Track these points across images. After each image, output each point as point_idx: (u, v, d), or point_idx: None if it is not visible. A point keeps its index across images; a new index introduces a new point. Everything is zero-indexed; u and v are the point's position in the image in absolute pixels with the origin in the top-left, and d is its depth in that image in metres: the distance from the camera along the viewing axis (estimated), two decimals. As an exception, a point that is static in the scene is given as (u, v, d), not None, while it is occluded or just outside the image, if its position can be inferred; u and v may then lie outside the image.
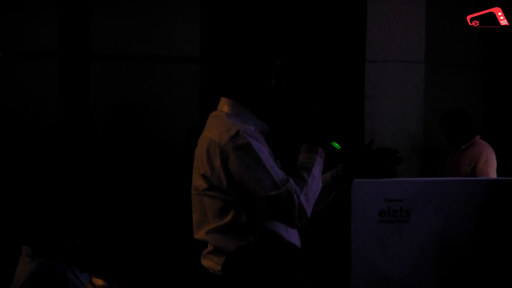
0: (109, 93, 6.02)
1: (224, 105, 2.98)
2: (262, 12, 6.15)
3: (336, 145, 3.01)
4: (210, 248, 2.92)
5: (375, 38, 6.49)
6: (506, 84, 6.94)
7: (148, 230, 4.76)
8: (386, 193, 3.28)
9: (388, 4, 6.54)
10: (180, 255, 4.56)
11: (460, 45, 6.98)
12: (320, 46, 6.34)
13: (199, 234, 2.95)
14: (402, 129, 6.45)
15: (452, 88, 6.92)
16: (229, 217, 2.86)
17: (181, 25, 6.27)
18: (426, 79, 6.73)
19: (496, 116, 6.85)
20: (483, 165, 5.85)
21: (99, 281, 3.29)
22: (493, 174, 5.82)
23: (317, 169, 2.92)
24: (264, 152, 2.84)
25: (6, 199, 5.00)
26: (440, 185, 3.38)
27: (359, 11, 6.42)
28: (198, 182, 2.92)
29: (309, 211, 2.83)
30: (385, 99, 6.57)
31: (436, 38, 6.83)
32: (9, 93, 5.90)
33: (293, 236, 2.96)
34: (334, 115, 3.04)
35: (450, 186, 3.41)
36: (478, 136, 6.06)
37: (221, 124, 2.89)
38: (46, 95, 5.97)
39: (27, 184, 4.79)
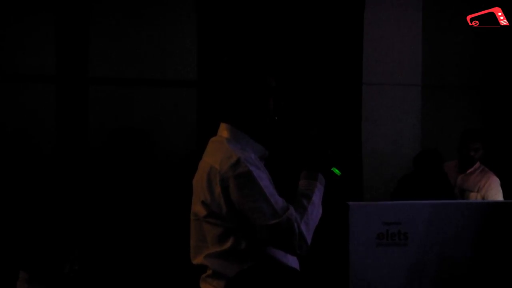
0: (106, 117, 6.01)
1: (223, 130, 2.98)
2: (259, 35, 6.17)
3: (337, 171, 3.00)
4: (209, 272, 2.91)
5: (371, 61, 6.51)
6: (503, 106, 6.95)
7: (146, 255, 4.74)
8: (384, 216, 3.28)
9: (384, 27, 6.57)
10: (178, 280, 4.54)
11: (456, 67, 7.00)
12: (316, 69, 6.35)
13: (198, 259, 2.94)
14: (400, 151, 6.45)
15: (449, 110, 6.93)
16: (228, 244, 2.85)
17: (178, 49, 6.28)
18: (423, 101, 6.75)
19: (493, 138, 6.86)
20: (494, 195, 5.82)
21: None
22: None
23: (317, 196, 2.91)
24: (264, 179, 2.83)
25: (3, 224, 4.98)
26: (438, 208, 3.38)
27: (355, 34, 6.44)
28: (197, 209, 2.92)
29: (309, 239, 2.82)
30: (382, 122, 6.58)
31: (432, 61, 6.85)
32: (5, 117, 5.89)
33: (291, 261, 2.95)
34: (333, 140, 3.04)
35: (448, 209, 3.41)
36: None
37: (222, 150, 2.89)
38: (43, 119, 5.96)
39: (24, 210, 4.78)
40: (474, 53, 7.07)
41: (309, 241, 2.82)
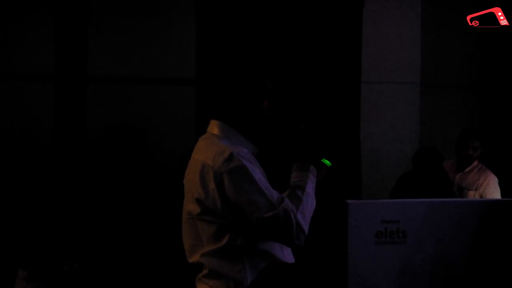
0: (105, 116, 6.01)
1: (214, 127, 2.99)
2: (257, 33, 6.16)
3: (327, 161, 3.03)
4: (205, 271, 2.91)
5: (370, 59, 6.51)
6: (501, 105, 6.96)
7: (145, 253, 4.75)
8: (382, 214, 3.29)
9: (383, 25, 6.57)
10: (177, 278, 4.55)
11: (455, 66, 7.01)
12: (315, 68, 6.34)
13: (194, 258, 2.94)
14: (398, 149, 6.45)
15: (447, 108, 6.93)
16: (224, 241, 2.86)
17: (176, 47, 6.28)
18: (421, 100, 6.75)
19: (491, 137, 6.86)
20: (492, 194, 5.82)
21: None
22: None
23: (310, 187, 2.93)
24: (257, 173, 2.84)
25: (2, 223, 4.99)
26: (437, 206, 3.38)
27: (354, 32, 6.43)
28: (191, 207, 2.92)
29: (306, 229, 2.83)
30: (381, 120, 6.58)
31: (431, 59, 6.86)
32: (4, 116, 5.89)
33: (287, 256, 2.96)
34: (323, 132, 3.06)
35: (446, 207, 3.41)
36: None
37: (213, 147, 2.90)
38: (42, 118, 5.97)
39: (23, 208, 4.79)
40: (473, 52, 7.08)
41: (306, 231, 2.83)
